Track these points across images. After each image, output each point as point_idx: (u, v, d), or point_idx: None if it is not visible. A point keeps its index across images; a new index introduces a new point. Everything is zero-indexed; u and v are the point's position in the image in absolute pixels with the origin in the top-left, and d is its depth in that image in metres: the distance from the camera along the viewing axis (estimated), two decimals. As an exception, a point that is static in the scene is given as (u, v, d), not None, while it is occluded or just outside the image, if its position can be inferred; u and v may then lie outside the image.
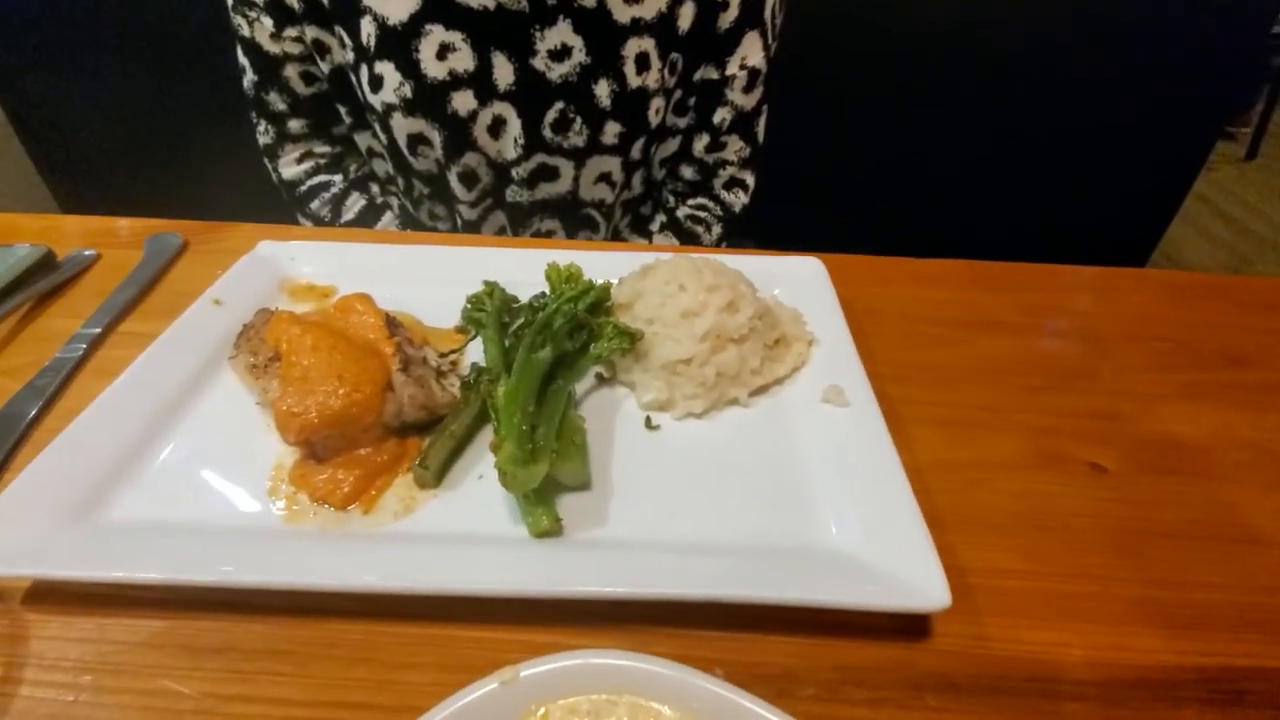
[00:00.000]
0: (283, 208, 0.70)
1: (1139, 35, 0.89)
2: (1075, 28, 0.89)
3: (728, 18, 0.61)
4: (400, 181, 0.68)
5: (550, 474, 0.31)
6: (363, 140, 0.68)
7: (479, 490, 0.32)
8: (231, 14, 0.61)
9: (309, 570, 0.28)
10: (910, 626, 0.28)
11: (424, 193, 0.67)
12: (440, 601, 0.27)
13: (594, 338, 0.38)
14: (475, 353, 0.40)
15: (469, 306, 0.42)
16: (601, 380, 0.39)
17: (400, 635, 0.27)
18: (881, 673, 0.27)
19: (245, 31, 0.62)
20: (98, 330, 0.43)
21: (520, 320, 0.39)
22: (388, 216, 0.70)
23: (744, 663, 0.27)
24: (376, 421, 0.33)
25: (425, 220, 0.71)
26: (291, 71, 0.63)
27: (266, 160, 0.69)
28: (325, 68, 0.62)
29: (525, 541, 0.30)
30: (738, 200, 0.71)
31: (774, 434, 0.36)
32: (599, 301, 0.39)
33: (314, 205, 0.69)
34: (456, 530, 0.31)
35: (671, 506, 0.32)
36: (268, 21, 0.60)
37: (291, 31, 0.60)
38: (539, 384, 0.34)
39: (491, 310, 0.40)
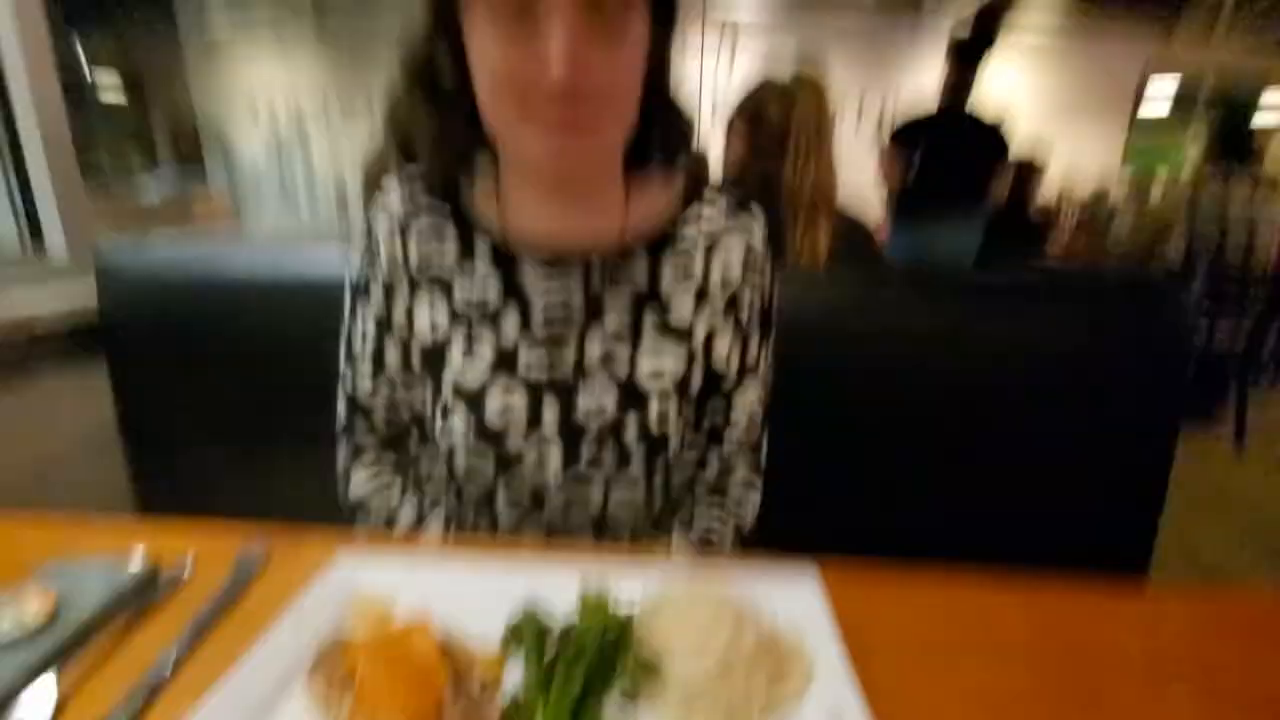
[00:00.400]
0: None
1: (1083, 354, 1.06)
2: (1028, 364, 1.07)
3: (728, 383, 0.78)
4: (451, 500, 0.79)
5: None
6: (425, 463, 0.82)
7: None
8: (341, 375, 0.80)
9: None
10: None
11: (470, 509, 0.77)
12: None
13: (619, 664, 0.43)
14: (514, 673, 0.46)
15: (508, 633, 0.48)
16: (625, 704, 0.44)
17: None
18: None
19: (348, 388, 0.79)
20: (183, 651, 0.49)
21: (554, 651, 0.45)
22: (437, 513, 0.79)
23: None
24: (427, 743, 0.37)
25: (469, 519, 0.80)
26: (378, 415, 0.79)
27: (340, 482, 0.82)
28: (405, 412, 0.79)
29: None
30: (747, 516, 0.80)
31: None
32: (623, 632, 0.45)
33: (373, 512, 0.79)
34: None
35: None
36: (367, 383, 0.78)
37: (384, 387, 0.78)
38: (573, 707, 0.39)
39: (529, 638, 0.46)
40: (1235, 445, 3.15)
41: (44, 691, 0.45)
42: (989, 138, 2.79)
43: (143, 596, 0.55)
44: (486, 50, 0.59)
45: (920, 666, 0.49)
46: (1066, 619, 0.56)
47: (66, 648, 0.49)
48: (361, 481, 0.80)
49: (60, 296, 1.23)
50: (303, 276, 1.16)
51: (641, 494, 0.75)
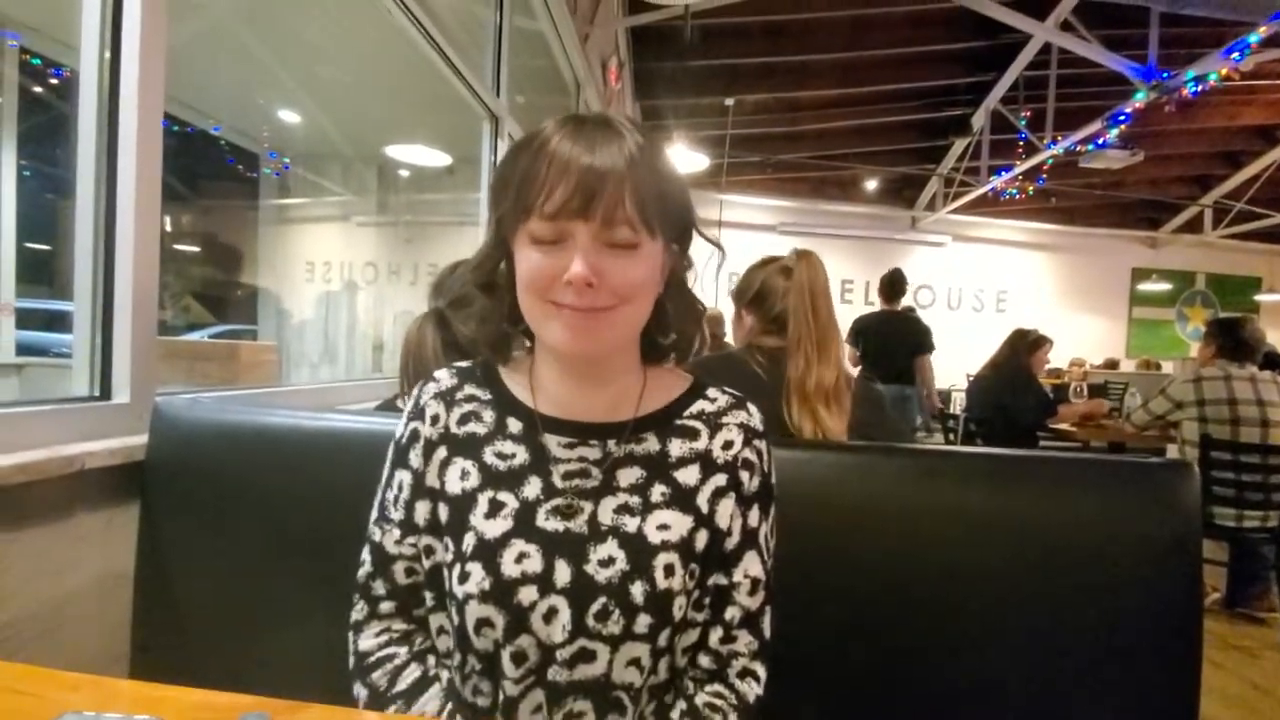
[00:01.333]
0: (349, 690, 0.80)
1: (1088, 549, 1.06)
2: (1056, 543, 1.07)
3: (731, 542, 0.83)
4: (457, 657, 0.81)
5: None
6: (436, 619, 0.85)
7: None
8: (371, 526, 0.86)
9: None
10: None
11: (475, 669, 0.79)
12: None
13: None
14: None
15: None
16: None
17: None
18: None
19: (376, 538, 0.85)
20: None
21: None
22: (434, 689, 0.81)
23: None
24: None
25: (468, 696, 0.81)
26: (399, 568, 0.85)
27: (351, 634, 0.84)
28: (426, 564, 0.84)
29: None
30: (750, 690, 0.81)
31: None
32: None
33: (376, 675, 0.82)
34: None
35: None
36: (396, 532, 0.84)
37: (410, 540, 0.84)
38: None
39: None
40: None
41: None
42: (912, 331, 4.68)
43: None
44: (527, 260, 0.75)
45: None
46: None
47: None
48: (370, 636, 0.84)
49: (113, 442, 1.31)
50: (342, 428, 1.25)
51: (647, 655, 0.77)
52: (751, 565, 0.84)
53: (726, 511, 0.83)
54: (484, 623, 0.76)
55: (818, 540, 1.06)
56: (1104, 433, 4.41)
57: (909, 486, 1.13)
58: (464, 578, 0.77)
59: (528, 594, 0.76)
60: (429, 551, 0.84)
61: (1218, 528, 3.23)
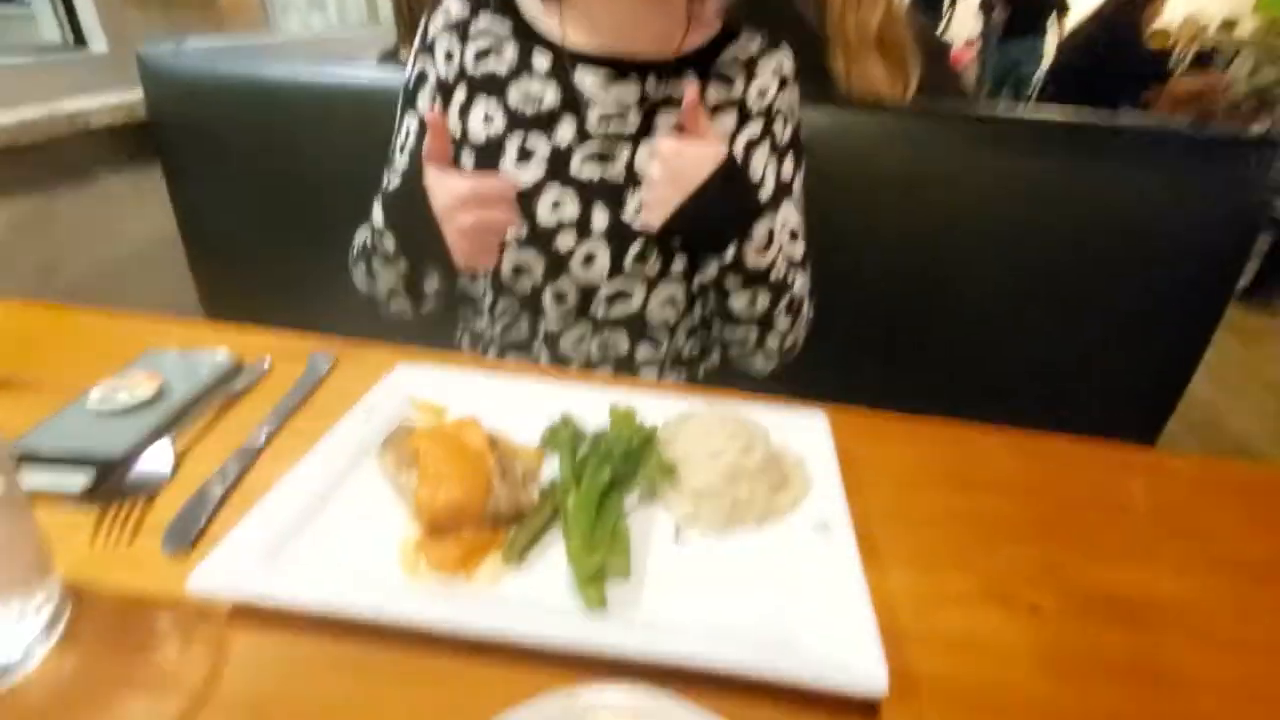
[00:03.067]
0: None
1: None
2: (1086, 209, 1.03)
3: (765, 193, 0.79)
4: (489, 298, 0.84)
5: (602, 565, 0.42)
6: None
7: (549, 570, 0.44)
8: (386, 172, 0.82)
9: (424, 612, 0.39)
10: (863, 709, 0.37)
11: (513, 308, 0.83)
12: (518, 647, 0.38)
13: (641, 467, 0.50)
14: (549, 467, 0.53)
15: (547, 434, 0.55)
16: (644, 499, 0.51)
17: (486, 666, 0.38)
18: (836, 740, 0.36)
19: (384, 185, 0.82)
20: (274, 425, 0.58)
21: (586, 448, 0.51)
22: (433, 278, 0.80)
23: (735, 715, 0.36)
24: (480, 512, 0.45)
25: (497, 334, 0.85)
26: None
27: (353, 261, 0.85)
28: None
29: (579, 612, 0.41)
30: (802, 318, 0.83)
31: (772, 553, 0.47)
32: (648, 439, 0.52)
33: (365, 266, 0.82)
34: (530, 598, 0.42)
35: (689, 598, 0.42)
36: (402, 166, 0.80)
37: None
38: (599, 497, 0.46)
39: (565, 438, 0.53)
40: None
41: (163, 452, 0.53)
42: None
43: (233, 383, 0.63)
44: None
45: (912, 496, 0.55)
46: (1067, 469, 0.61)
47: (175, 418, 0.58)
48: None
49: (108, 93, 1.24)
50: (343, 83, 1.14)
51: (683, 294, 0.80)
52: (789, 215, 0.81)
53: (760, 163, 0.79)
54: (521, 268, 0.78)
55: (858, 209, 1.02)
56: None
57: (959, 154, 1.04)
58: None
59: (565, 240, 0.76)
60: None
61: (1272, 220, 3.13)
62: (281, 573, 0.42)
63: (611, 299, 0.79)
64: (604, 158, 0.75)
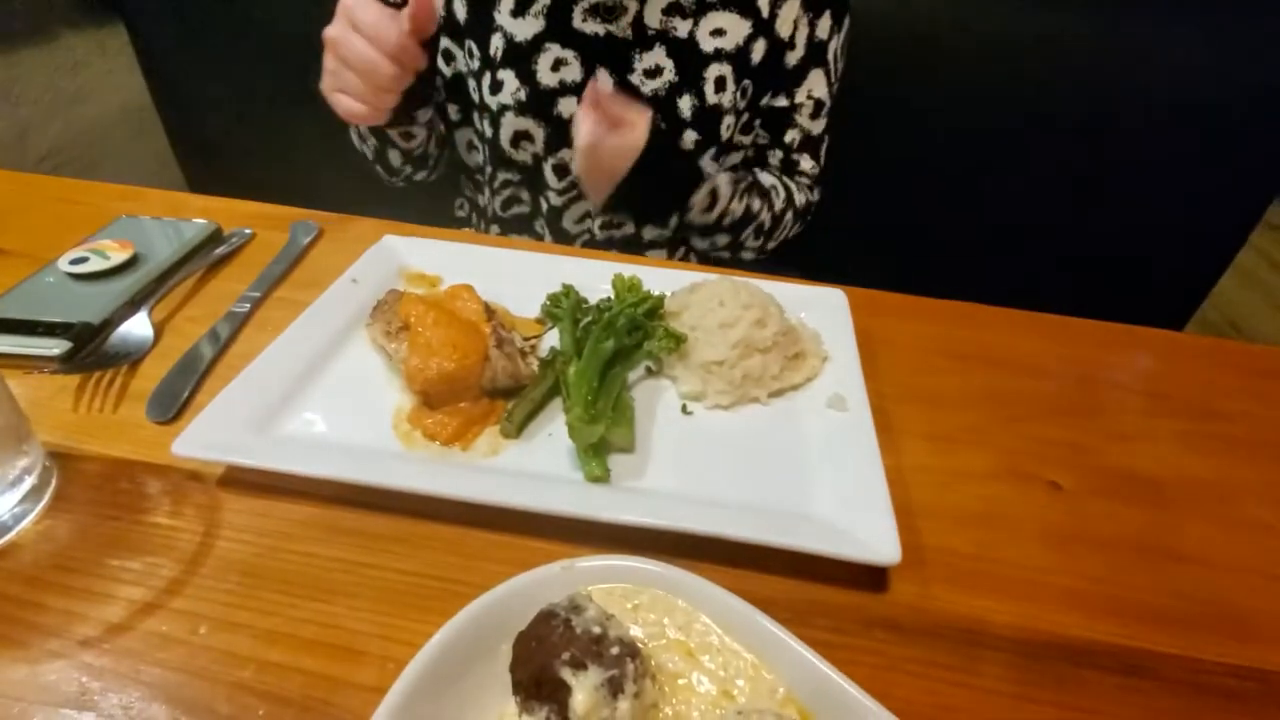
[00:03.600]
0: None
1: (1194, 82, 0.94)
2: (1125, 75, 0.94)
3: (794, 56, 0.73)
4: (488, 171, 0.78)
5: (604, 436, 0.40)
6: (463, 134, 0.80)
7: (549, 444, 0.42)
8: None
9: (420, 480, 0.37)
10: (870, 579, 0.36)
11: (513, 180, 0.77)
12: (515, 516, 0.37)
13: (647, 337, 0.47)
14: (550, 340, 0.50)
15: (548, 303, 0.52)
16: (650, 372, 0.48)
17: (483, 538, 0.37)
18: (843, 609, 0.35)
19: None
20: (257, 295, 0.55)
21: (589, 318, 0.48)
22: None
23: (737, 589, 0.34)
24: (476, 383, 0.43)
25: (498, 209, 0.81)
26: None
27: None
28: (447, 72, 0.75)
29: (581, 484, 0.39)
30: (801, 204, 0.79)
31: (783, 427, 0.45)
32: (654, 309, 0.48)
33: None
34: (530, 470, 0.40)
35: (695, 471, 0.41)
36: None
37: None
38: (601, 368, 0.43)
39: (566, 307, 0.49)
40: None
41: (141, 320, 0.51)
42: None
43: (213, 251, 0.59)
44: None
45: (931, 374, 0.53)
46: (1088, 350, 0.58)
47: (153, 285, 0.54)
48: None
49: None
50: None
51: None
52: (816, 85, 0.74)
53: (790, 17, 0.70)
54: (521, 136, 0.72)
55: (874, 77, 0.93)
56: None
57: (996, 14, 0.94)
58: (496, 87, 0.70)
59: (568, 105, 0.70)
60: (448, 56, 0.74)
61: None
62: (271, 439, 0.40)
63: None
64: (610, 10, 0.67)
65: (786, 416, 0.46)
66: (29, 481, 0.37)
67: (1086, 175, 1.02)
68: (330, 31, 0.57)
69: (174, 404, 0.43)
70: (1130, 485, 0.45)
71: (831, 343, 0.51)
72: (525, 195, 0.79)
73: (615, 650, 0.26)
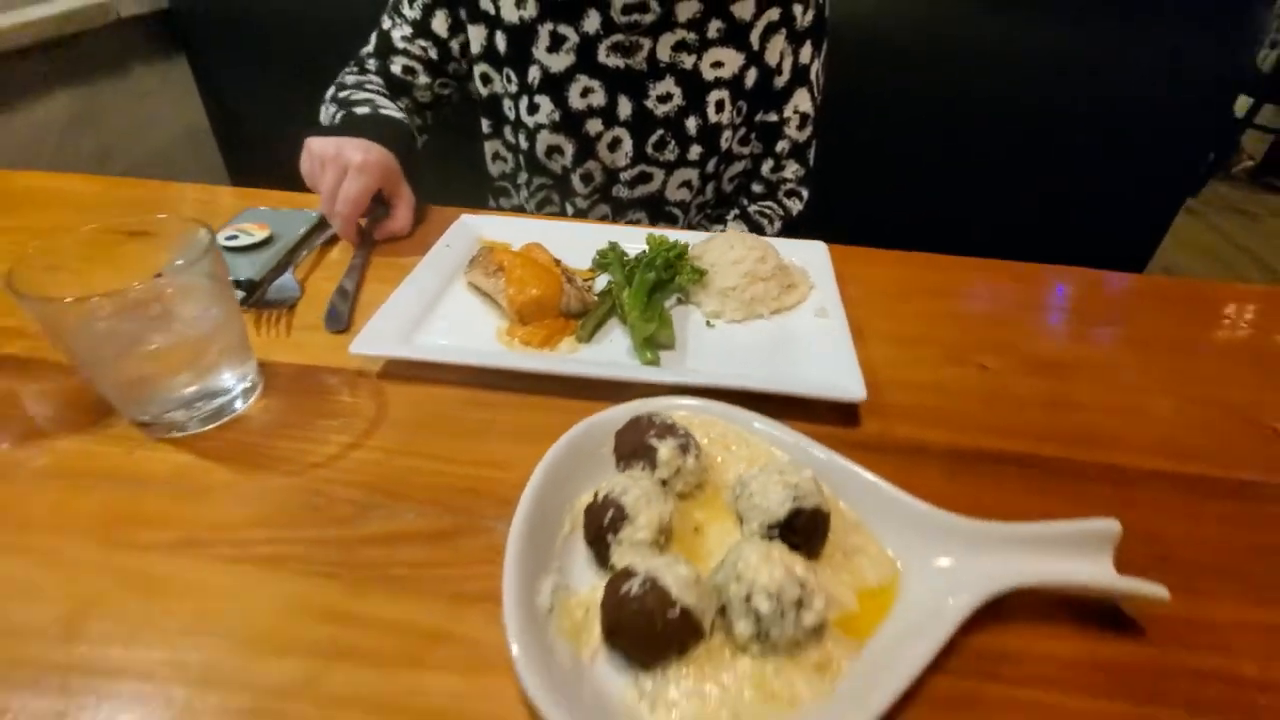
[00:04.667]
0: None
1: (1130, 64, 1.11)
2: (1073, 67, 1.12)
3: (781, 80, 0.89)
4: (523, 176, 0.95)
5: (654, 333, 0.55)
6: (491, 146, 0.96)
7: (611, 347, 0.58)
8: (383, 16, 0.89)
9: (529, 362, 0.53)
10: (846, 417, 0.52)
11: (546, 185, 0.94)
12: (593, 385, 0.52)
13: (677, 273, 0.63)
14: (600, 283, 0.66)
15: (598, 256, 0.67)
16: (680, 301, 0.64)
17: (570, 404, 0.52)
18: (828, 438, 0.49)
19: (385, 26, 0.89)
20: (360, 262, 0.70)
21: (632, 263, 0.64)
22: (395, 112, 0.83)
23: None
24: (556, 305, 0.58)
25: (532, 209, 0.97)
26: (397, 63, 0.88)
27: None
28: (484, 93, 0.90)
29: (639, 367, 0.55)
30: (794, 206, 0.96)
31: (782, 331, 0.60)
32: (681, 253, 0.64)
33: (346, 92, 0.86)
34: (600, 361, 0.56)
35: (718, 362, 0.56)
36: (406, 29, 0.87)
37: (420, 43, 0.87)
38: (647, 291, 0.59)
39: (613, 257, 0.65)
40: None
41: (289, 278, 0.66)
42: None
43: (322, 231, 0.75)
44: None
45: (897, 302, 0.68)
46: (1023, 284, 0.73)
47: (290, 254, 0.70)
48: (353, 75, 0.90)
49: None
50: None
51: (696, 178, 0.91)
52: (801, 101, 0.90)
53: (777, 49, 0.86)
54: (554, 149, 0.88)
55: (872, 75, 1.11)
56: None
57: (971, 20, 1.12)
58: (533, 109, 0.86)
59: (593, 125, 0.86)
60: (485, 80, 0.89)
61: None
62: (415, 343, 0.56)
63: (633, 181, 0.89)
64: (628, 48, 0.82)
65: (784, 326, 0.61)
66: (250, 378, 0.52)
67: (1038, 161, 1.19)
68: (313, 154, 0.71)
69: (343, 319, 0.59)
70: (1041, 366, 0.61)
71: (816, 277, 0.67)
72: (555, 197, 0.95)
73: (682, 431, 0.42)
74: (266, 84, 1.37)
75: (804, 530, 0.37)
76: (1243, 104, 3.34)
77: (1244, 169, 3.53)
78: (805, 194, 0.97)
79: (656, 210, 0.94)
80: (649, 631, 0.32)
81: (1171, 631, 0.38)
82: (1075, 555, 0.38)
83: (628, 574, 0.34)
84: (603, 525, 0.37)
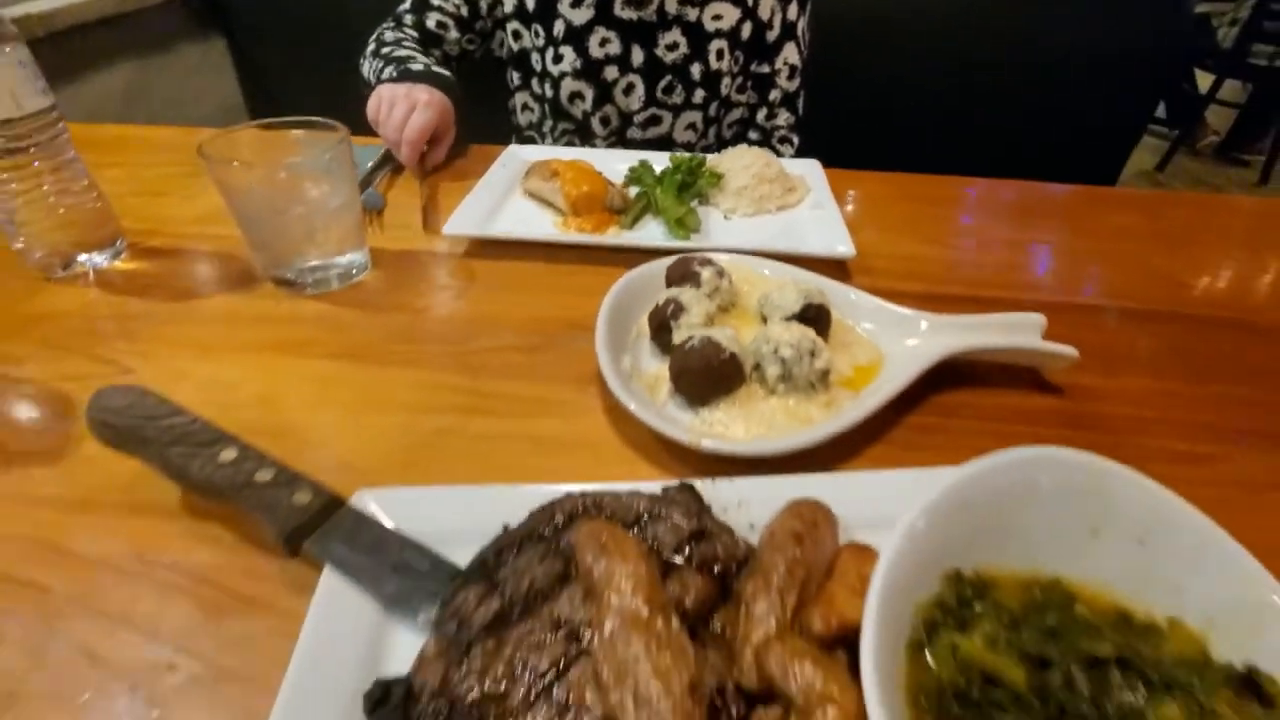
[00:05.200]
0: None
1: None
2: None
3: (772, 34, 1.02)
4: (549, 124, 1.08)
5: (684, 218, 0.69)
6: (520, 97, 1.10)
7: (649, 233, 0.71)
8: None
9: (584, 238, 0.66)
10: (842, 274, 0.65)
11: (568, 129, 1.07)
12: (640, 253, 0.65)
13: (700, 177, 0.76)
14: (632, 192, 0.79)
15: (629, 172, 0.81)
16: (701, 201, 0.78)
17: (620, 267, 0.65)
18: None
19: (463, 11, 1.02)
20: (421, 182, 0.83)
21: (660, 175, 0.77)
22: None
23: None
24: (603, 201, 0.72)
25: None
26: (432, 18, 1.02)
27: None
28: (515, 47, 1.03)
29: (674, 240, 0.68)
30: (788, 152, 1.09)
31: (786, 221, 0.74)
32: (701, 164, 0.77)
33: (388, 49, 0.97)
34: (642, 240, 0.69)
35: (734, 237, 0.70)
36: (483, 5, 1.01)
37: (484, 21, 1.02)
38: (676, 189, 0.73)
39: (644, 169, 0.79)
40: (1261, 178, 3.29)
41: (374, 194, 0.79)
42: None
43: (389, 162, 0.88)
44: None
45: (884, 205, 0.82)
46: (1032, 203, 0.87)
47: (369, 175, 0.83)
48: (391, 31, 1.02)
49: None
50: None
51: (700, 121, 1.05)
52: (790, 54, 1.04)
53: (768, 5, 1.00)
54: (575, 95, 1.02)
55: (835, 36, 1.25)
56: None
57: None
58: (558, 59, 1.00)
59: (610, 72, 0.99)
60: (515, 35, 1.03)
61: (1249, 67, 3.30)
62: (496, 228, 0.69)
63: (645, 123, 1.03)
64: (640, 2, 0.95)
65: (788, 219, 0.75)
66: (365, 253, 0.65)
67: (1008, 104, 1.34)
68: (383, 95, 0.83)
69: (438, 216, 0.72)
70: (997, 245, 0.75)
71: (812, 184, 0.80)
72: (577, 141, 1.08)
73: (718, 264, 0.55)
74: (301, 66, 1.49)
75: (813, 320, 0.51)
76: (1205, 81, 3.52)
77: (1209, 144, 3.71)
78: (796, 140, 1.11)
79: (666, 149, 1.07)
80: (706, 370, 0.46)
81: (1084, 390, 0.52)
82: (1010, 335, 0.51)
83: (689, 339, 0.47)
84: (666, 316, 0.50)
